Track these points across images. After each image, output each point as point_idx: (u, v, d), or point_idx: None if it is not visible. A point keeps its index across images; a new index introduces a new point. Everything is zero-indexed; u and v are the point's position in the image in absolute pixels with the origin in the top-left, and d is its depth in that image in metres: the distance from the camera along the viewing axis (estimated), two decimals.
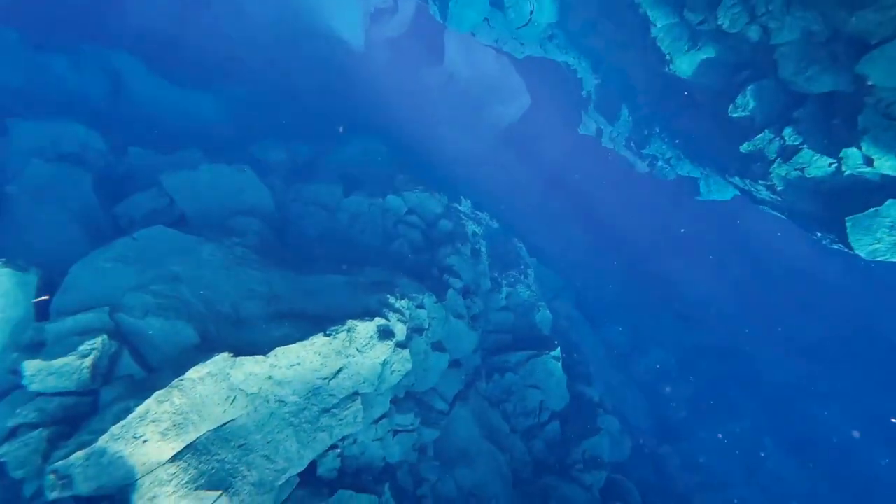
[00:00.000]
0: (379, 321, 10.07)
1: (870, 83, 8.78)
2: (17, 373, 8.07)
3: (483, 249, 17.12)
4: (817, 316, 31.60)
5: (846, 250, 11.87)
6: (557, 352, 15.36)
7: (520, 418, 14.34)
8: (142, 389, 8.24)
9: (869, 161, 10.25)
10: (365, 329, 9.75)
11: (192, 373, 8.43)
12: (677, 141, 22.67)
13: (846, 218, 11.09)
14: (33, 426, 7.59)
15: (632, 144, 28.52)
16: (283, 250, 14.06)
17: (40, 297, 9.62)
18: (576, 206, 37.49)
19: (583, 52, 26.02)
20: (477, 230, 17.98)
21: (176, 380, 8.25)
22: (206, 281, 11.22)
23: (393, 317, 10.45)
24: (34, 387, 7.80)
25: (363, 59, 27.96)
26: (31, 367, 7.78)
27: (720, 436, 23.65)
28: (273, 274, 11.89)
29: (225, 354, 8.82)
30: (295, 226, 16.43)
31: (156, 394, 7.89)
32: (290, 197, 17.23)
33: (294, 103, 23.20)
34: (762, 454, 23.41)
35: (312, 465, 9.84)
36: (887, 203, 10.49)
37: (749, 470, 22.60)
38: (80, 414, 8.09)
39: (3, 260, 9.11)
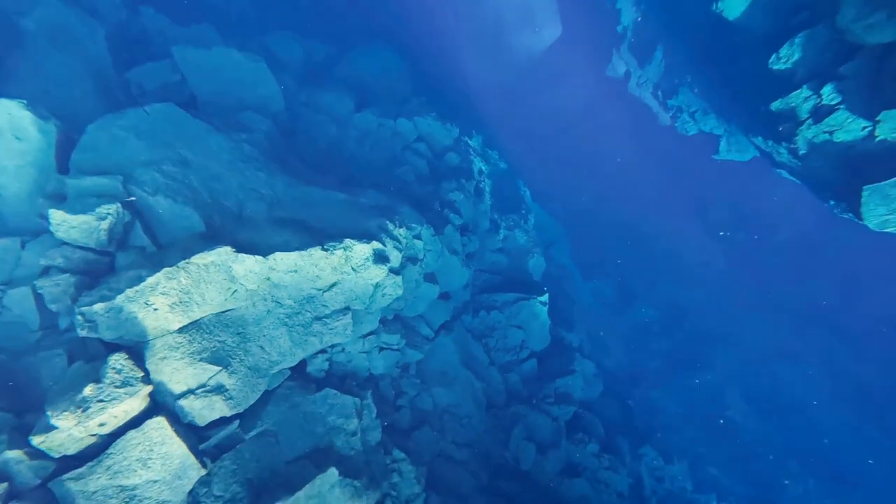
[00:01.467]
0: (376, 245, 10.43)
1: None
2: (44, 217, 8.82)
3: (487, 189, 17.17)
4: (807, 282, 32.33)
5: (855, 220, 11.92)
6: (545, 297, 15.99)
7: (500, 353, 15.25)
8: (153, 262, 8.96)
9: None
10: (361, 250, 10.13)
11: (198, 258, 8.96)
12: (707, 92, 21.89)
13: (864, 186, 10.94)
14: (62, 270, 8.51)
15: (659, 93, 27.52)
16: (288, 155, 14.08)
17: (59, 149, 9.91)
18: (588, 153, 36.79)
19: None
20: (484, 168, 17.89)
21: (183, 261, 8.80)
22: (213, 172, 11.42)
23: (390, 243, 10.79)
24: (59, 235, 8.53)
25: None
26: (56, 216, 8.41)
27: (688, 385, 25.26)
28: (277, 179, 12.05)
29: (228, 248, 9.29)
30: (303, 132, 16.29)
31: (165, 269, 8.54)
32: (301, 101, 16.90)
33: None
34: (725, 405, 25.18)
35: (303, 364, 10.68)
36: None
37: (709, 417, 24.41)
38: (100, 270, 8.91)
39: (25, 102, 9.26)
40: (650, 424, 21.24)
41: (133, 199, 9.61)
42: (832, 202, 12.50)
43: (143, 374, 7.62)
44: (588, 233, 32.30)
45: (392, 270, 11.31)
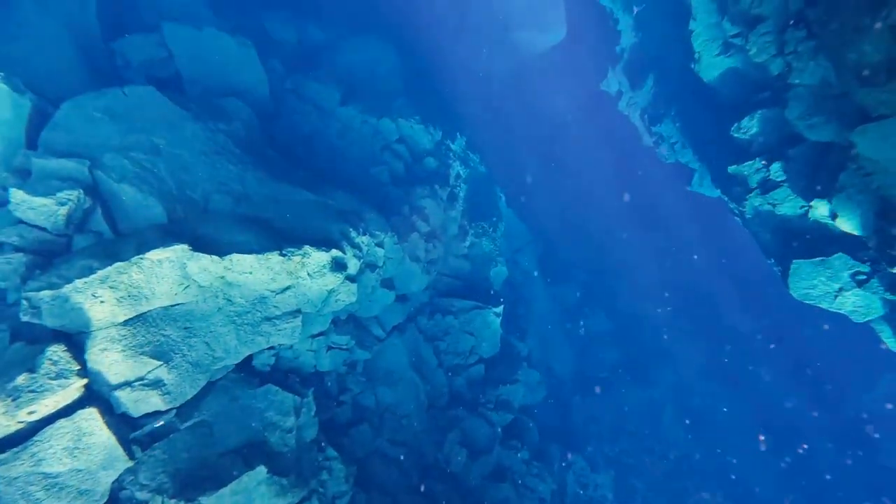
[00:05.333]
0: (335, 253, 10.54)
1: (857, 151, 8.91)
2: (5, 190, 8.84)
3: (462, 194, 17.26)
4: (757, 314, 33.40)
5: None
6: (500, 309, 16.37)
7: (449, 356, 15.67)
8: (107, 250, 8.96)
9: (834, 216, 10.70)
10: (319, 258, 10.24)
11: (153, 254, 8.98)
12: (685, 130, 22.20)
13: (794, 260, 11.75)
14: (16, 248, 8.49)
15: (646, 117, 27.65)
16: (265, 146, 13.93)
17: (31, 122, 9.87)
18: (573, 159, 36.86)
19: (629, 6, 24.13)
20: (462, 173, 17.94)
21: (136, 256, 8.82)
22: (184, 162, 11.32)
23: (350, 251, 10.91)
24: (17, 214, 8.54)
25: None
26: (16, 195, 8.44)
27: (628, 398, 26.27)
28: (249, 173, 11.98)
29: (185, 246, 9.31)
30: (286, 119, 16.09)
31: (116, 264, 8.55)
32: (288, 87, 16.62)
33: None
34: (659, 421, 26.34)
35: (249, 356, 10.86)
36: (836, 256, 11.13)
37: (638, 429, 25.54)
38: (55, 251, 8.91)
39: (3, 75, 9.33)
40: (585, 432, 22.17)
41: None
42: (771, 261, 13.09)
43: (79, 366, 7.71)
44: (559, 237, 32.69)
45: (348, 278, 11.45)
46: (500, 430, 16.09)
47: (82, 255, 8.54)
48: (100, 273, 8.21)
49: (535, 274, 25.80)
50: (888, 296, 10.34)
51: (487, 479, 14.54)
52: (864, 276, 10.93)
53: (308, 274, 10.25)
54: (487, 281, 17.80)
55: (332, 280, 10.65)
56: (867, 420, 27.92)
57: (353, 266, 11.17)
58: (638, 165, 36.45)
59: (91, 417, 7.65)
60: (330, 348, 12.11)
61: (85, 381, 7.76)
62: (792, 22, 9.35)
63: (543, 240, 29.77)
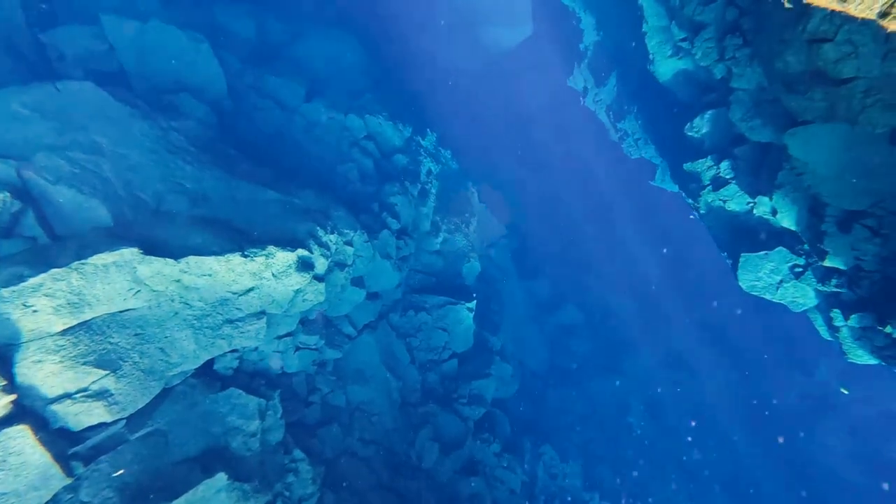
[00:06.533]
0: (301, 252, 10.07)
1: (789, 152, 9.18)
2: None
3: (433, 190, 16.94)
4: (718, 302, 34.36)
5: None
6: (472, 304, 16.17)
7: (422, 352, 15.38)
8: (41, 256, 8.16)
9: (774, 212, 11.05)
10: (284, 258, 9.76)
11: (97, 258, 8.30)
12: (646, 126, 22.55)
13: (742, 253, 12.16)
14: None
15: (610, 113, 27.95)
16: (224, 145, 13.25)
17: None
18: (543, 152, 37.01)
19: (590, 5, 24.24)
20: (433, 169, 17.60)
21: (77, 262, 8.12)
22: (132, 162, 10.59)
23: (317, 251, 10.45)
24: None
25: None
26: None
27: (598, 388, 26.60)
28: (206, 172, 11.33)
29: (134, 249, 8.67)
30: (246, 117, 15.38)
31: (52, 270, 7.83)
32: (247, 82, 15.86)
33: None
34: (627, 409, 26.81)
35: (210, 360, 10.30)
36: (777, 250, 11.71)
37: (606, 418, 25.92)
38: None
39: None
40: (556, 423, 22.30)
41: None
42: (724, 254, 13.37)
43: (5, 382, 6.98)
44: (532, 232, 32.79)
45: (316, 277, 10.97)
46: (472, 424, 15.94)
47: (10, 262, 7.73)
48: (32, 281, 7.47)
49: (508, 268, 25.78)
50: (819, 287, 10.72)
51: (459, 473, 14.36)
52: (801, 269, 11.39)
53: (273, 274, 9.75)
54: (460, 277, 17.57)
55: (299, 280, 10.18)
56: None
57: (321, 265, 10.71)
58: (606, 160, 36.86)
59: (19, 435, 6.95)
60: (298, 349, 11.63)
61: (13, 396, 7.07)
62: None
63: (516, 235, 29.78)
